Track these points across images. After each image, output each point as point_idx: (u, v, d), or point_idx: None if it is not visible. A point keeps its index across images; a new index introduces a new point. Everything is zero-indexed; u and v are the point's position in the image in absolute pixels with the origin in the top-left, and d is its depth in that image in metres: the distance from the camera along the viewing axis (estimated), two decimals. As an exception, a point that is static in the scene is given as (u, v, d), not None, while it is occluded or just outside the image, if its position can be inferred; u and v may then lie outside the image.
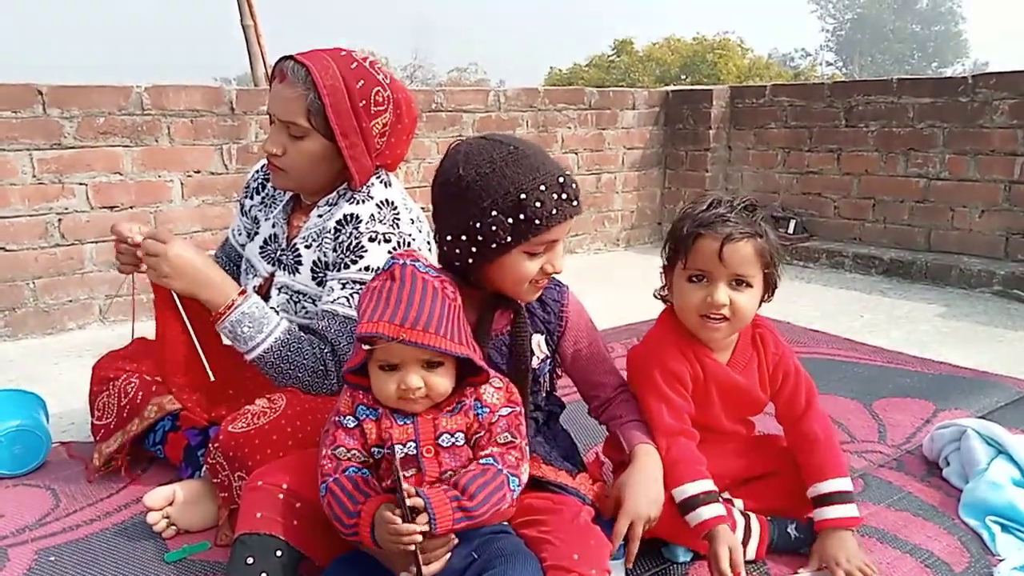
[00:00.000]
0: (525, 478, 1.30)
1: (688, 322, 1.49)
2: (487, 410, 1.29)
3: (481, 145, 1.34)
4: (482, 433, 1.28)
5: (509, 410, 1.31)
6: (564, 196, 1.32)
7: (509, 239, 1.30)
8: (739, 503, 1.53)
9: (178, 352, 1.65)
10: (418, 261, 1.26)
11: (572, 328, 1.52)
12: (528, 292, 1.39)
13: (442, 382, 1.25)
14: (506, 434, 1.29)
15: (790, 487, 1.53)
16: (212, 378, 1.64)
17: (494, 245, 1.30)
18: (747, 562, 1.48)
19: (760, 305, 1.50)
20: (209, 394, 1.70)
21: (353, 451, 1.27)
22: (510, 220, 1.28)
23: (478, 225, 1.29)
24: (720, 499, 1.42)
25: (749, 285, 1.43)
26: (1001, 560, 1.48)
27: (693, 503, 1.38)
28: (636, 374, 1.56)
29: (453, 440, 1.27)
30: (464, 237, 1.31)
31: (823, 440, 1.51)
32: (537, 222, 1.29)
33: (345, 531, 1.22)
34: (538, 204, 1.29)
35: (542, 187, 1.29)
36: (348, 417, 1.29)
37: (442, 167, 1.37)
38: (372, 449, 1.28)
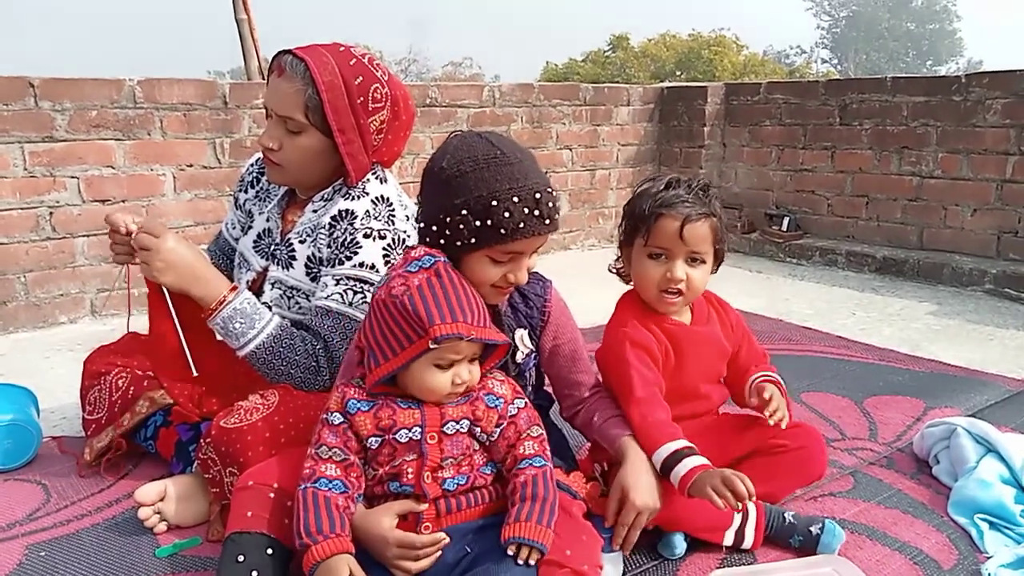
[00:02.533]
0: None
1: (646, 295, 1.57)
2: (502, 401, 1.32)
3: (472, 142, 1.33)
4: (505, 424, 1.32)
5: (523, 401, 1.36)
6: (536, 212, 1.30)
7: (473, 241, 1.30)
8: None
9: (170, 347, 1.64)
10: (412, 261, 1.29)
11: (553, 324, 1.53)
12: (490, 295, 1.38)
13: (478, 371, 1.30)
14: (535, 427, 1.35)
15: (769, 470, 1.55)
16: (195, 373, 1.63)
17: (458, 243, 1.31)
18: (742, 550, 1.50)
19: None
20: (201, 389, 1.69)
21: (334, 449, 1.27)
22: (477, 223, 1.29)
23: (447, 220, 1.30)
24: (699, 453, 1.41)
25: (703, 261, 1.54)
26: (989, 557, 1.49)
27: (674, 460, 1.39)
28: (607, 355, 1.58)
29: (458, 428, 1.29)
30: (434, 227, 1.33)
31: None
32: (502, 231, 1.29)
33: (296, 539, 1.22)
34: (506, 215, 1.28)
35: (515, 199, 1.29)
36: (335, 414, 1.29)
37: (434, 154, 1.38)
38: (370, 439, 1.27)
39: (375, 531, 1.24)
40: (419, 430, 1.26)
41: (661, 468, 1.40)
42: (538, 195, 1.31)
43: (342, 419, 1.28)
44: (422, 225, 1.36)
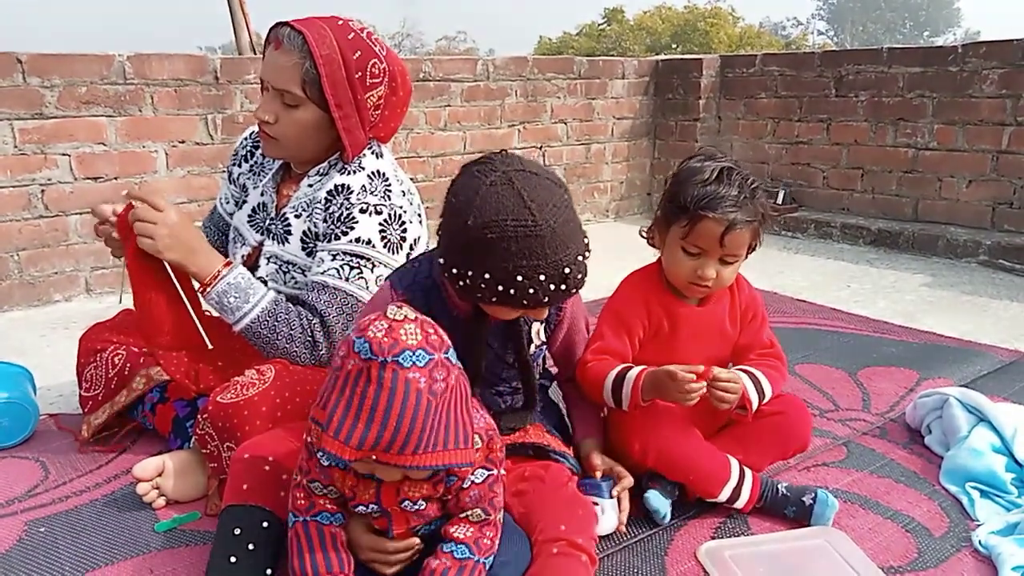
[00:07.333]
0: (496, 547, 1.23)
1: (673, 279, 1.55)
2: (455, 478, 1.18)
3: (502, 197, 1.19)
4: (449, 498, 1.20)
5: (485, 474, 1.20)
6: (563, 287, 1.21)
7: (494, 300, 1.22)
8: None
9: (165, 319, 1.64)
10: (404, 352, 1.03)
11: (568, 317, 1.53)
12: (509, 319, 1.35)
13: (420, 474, 1.14)
14: (478, 511, 1.20)
15: (747, 437, 1.57)
16: (210, 346, 1.63)
17: (479, 295, 1.23)
18: (735, 510, 1.52)
19: None
20: (198, 365, 1.70)
21: (329, 487, 1.20)
22: (500, 288, 1.20)
23: (469, 274, 1.21)
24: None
25: (737, 258, 1.49)
26: (979, 525, 1.51)
27: (619, 381, 1.47)
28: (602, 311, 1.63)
29: (416, 507, 1.19)
30: (455, 271, 1.24)
31: (782, 367, 1.60)
32: (525, 303, 1.21)
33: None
34: (531, 291, 1.19)
35: (542, 276, 1.19)
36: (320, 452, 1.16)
37: (455, 192, 1.25)
38: (329, 488, 1.21)
39: (349, 534, 1.23)
40: (376, 507, 1.18)
41: (613, 399, 1.48)
42: (567, 270, 1.21)
43: (329, 462, 1.19)
44: (441, 261, 1.26)
